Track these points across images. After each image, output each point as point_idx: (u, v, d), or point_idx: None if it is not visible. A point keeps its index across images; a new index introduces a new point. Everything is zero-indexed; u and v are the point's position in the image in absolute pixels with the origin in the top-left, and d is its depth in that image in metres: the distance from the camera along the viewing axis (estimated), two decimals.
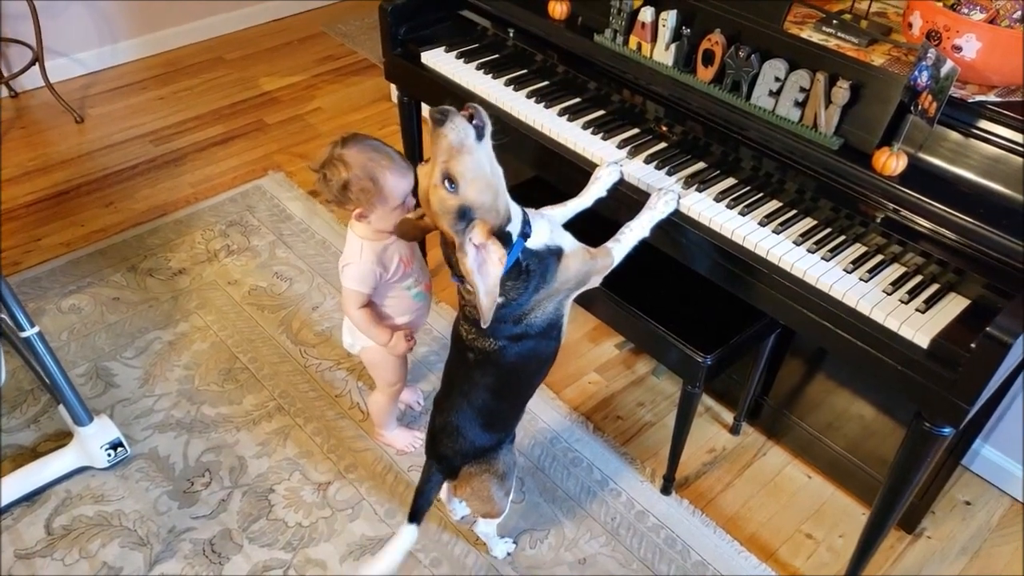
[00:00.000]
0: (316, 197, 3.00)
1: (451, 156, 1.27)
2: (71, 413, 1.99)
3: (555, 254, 1.45)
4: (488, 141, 1.31)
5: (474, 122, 1.29)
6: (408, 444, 2.13)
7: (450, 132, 1.26)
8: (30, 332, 1.83)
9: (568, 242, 1.50)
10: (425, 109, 2.34)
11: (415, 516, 1.64)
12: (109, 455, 2.03)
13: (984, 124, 1.43)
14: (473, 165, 1.28)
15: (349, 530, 1.95)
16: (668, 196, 1.62)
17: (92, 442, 2.01)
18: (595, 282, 1.55)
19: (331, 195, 1.65)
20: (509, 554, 1.91)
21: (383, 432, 2.13)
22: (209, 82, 3.76)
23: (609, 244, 1.57)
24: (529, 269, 1.41)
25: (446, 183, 1.28)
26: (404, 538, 1.64)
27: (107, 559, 1.88)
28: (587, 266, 1.50)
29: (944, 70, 1.36)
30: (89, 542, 1.91)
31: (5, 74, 3.46)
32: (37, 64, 3.39)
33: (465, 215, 1.30)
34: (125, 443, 2.06)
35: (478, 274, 1.31)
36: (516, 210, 1.40)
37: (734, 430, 2.23)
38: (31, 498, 1.99)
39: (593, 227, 1.64)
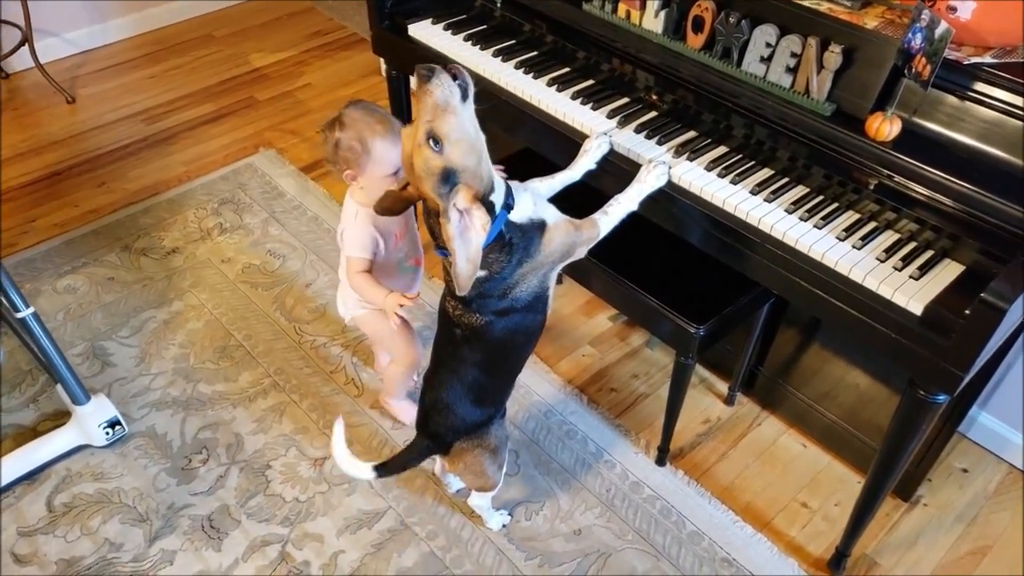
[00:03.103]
0: (308, 173, 2.98)
1: (436, 115, 1.25)
2: (68, 393, 1.99)
3: (539, 227, 1.43)
4: (471, 103, 1.30)
5: (458, 82, 1.27)
6: (412, 418, 2.13)
7: (436, 89, 1.24)
8: (25, 312, 1.83)
9: (551, 215, 1.48)
10: (414, 82, 2.32)
11: (383, 469, 1.66)
12: (107, 433, 2.04)
13: (980, 87, 1.41)
14: (458, 126, 1.26)
15: (346, 504, 1.96)
16: (659, 169, 1.60)
17: (90, 421, 2.02)
18: (580, 254, 1.53)
19: (326, 153, 1.68)
20: (504, 526, 1.92)
21: (391, 401, 2.14)
22: (199, 59, 3.73)
23: (596, 216, 1.55)
24: (512, 242, 1.39)
25: (431, 143, 1.26)
26: (360, 471, 1.66)
27: (108, 535, 1.89)
28: (571, 238, 1.48)
29: (938, 32, 1.34)
30: (90, 519, 1.92)
31: None
32: (27, 45, 3.36)
33: (449, 178, 1.28)
34: (123, 421, 2.07)
35: (460, 240, 1.29)
36: (499, 182, 1.39)
37: (729, 400, 2.23)
38: (32, 476, 2.00)
39: (582, 198, 1.63)
